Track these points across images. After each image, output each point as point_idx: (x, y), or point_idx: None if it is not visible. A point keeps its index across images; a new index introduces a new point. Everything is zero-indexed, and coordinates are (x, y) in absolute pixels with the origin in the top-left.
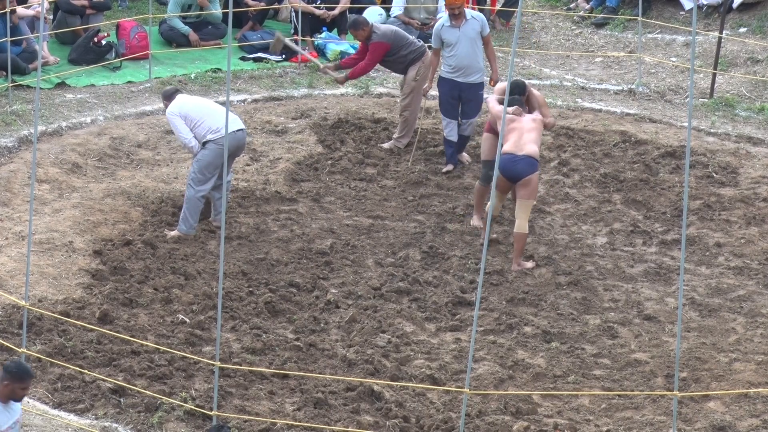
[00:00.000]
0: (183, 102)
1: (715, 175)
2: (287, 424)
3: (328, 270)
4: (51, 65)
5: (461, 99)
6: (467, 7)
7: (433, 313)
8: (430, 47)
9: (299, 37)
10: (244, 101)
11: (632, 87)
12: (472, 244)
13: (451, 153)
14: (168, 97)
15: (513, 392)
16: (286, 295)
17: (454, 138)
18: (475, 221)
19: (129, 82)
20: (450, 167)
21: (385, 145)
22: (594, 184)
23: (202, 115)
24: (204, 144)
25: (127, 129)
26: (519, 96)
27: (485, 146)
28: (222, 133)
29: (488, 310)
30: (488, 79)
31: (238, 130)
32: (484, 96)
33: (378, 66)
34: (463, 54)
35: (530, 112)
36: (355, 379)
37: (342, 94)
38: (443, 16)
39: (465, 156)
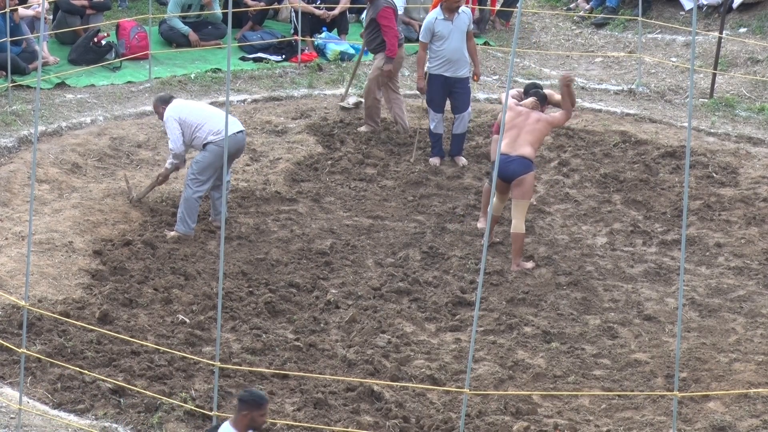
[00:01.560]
0: (181, 107)
1: (715, 175)
2: (287, 424)
3: (328, 270)
4: (51, 65)
5: (451, 93)
6: None
7: (433, 313)
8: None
9: (299, 37)
10: (244, 101)
11: (632, 87)
12: (472, 244)
13: (438, 146)
14: (165, 101)
15: (513, 392)
16: (286, 295)
17: (441, 131)
18: (481, 223)
19: (129, 82)
20: (437, 160)
21: (361, 128)
22: (594, 184)
23: (202, 119)
24: (204, 146)
25: (127, 129)
26: (541, 90)
27: (493, 148)
28: (223, 135)
29: (488, 310)
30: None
31: (237, 132)
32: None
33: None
34: (453, 47)
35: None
36: (355, 379)
37: (341, 95)
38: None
39: (462, 159)
